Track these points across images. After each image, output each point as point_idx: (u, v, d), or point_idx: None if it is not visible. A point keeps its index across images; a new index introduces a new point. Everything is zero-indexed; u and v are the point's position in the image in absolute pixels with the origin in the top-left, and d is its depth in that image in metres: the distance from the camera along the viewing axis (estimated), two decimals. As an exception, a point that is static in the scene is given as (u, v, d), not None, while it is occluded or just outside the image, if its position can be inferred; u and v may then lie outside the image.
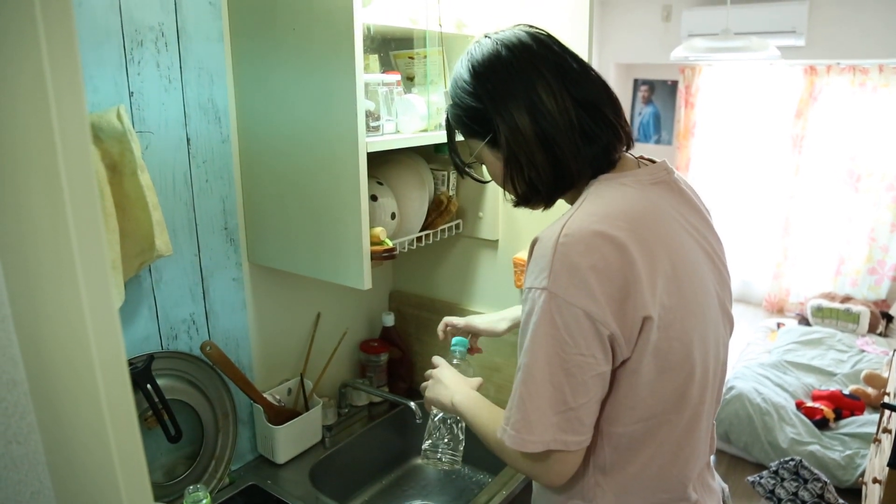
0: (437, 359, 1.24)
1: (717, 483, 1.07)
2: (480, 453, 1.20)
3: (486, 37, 0.96)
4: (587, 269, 0.80)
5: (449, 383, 1.15)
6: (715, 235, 0.99)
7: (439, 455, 1.25)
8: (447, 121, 1.04)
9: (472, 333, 1.37)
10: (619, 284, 0.81)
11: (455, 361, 1.27)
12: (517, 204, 1.00)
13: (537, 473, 0.90)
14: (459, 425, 1.24)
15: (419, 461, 1.22)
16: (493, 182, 1.04)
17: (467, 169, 1.08)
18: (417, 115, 1.32)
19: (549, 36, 0.94)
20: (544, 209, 1.00)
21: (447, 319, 1.38)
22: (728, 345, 1.00)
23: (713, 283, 0.94)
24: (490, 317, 1.38)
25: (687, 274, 0.87)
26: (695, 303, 0.88)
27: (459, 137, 1.04)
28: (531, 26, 0.95)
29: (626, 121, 0.94)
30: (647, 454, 0.91)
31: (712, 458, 1.04)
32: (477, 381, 1.19)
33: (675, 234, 0.89)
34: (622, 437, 0.90)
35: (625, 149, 0.95)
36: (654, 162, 0.96)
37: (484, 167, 1.04)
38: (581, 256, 0.80)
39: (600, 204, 0.86)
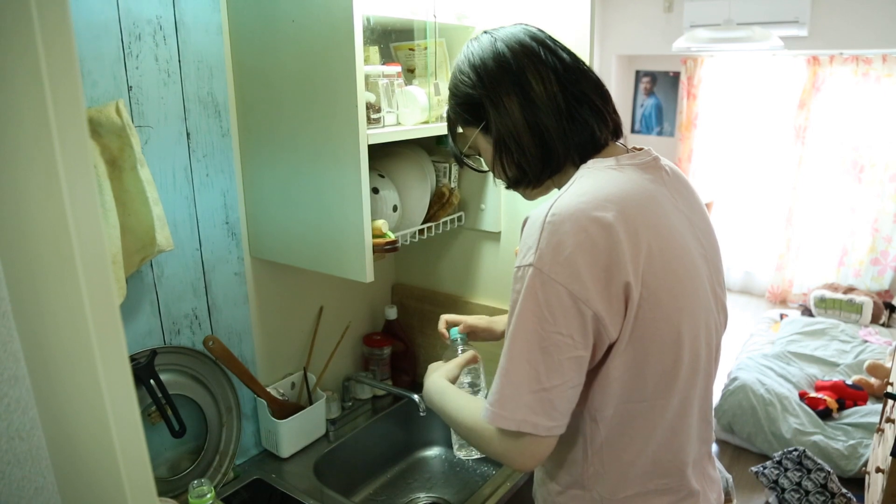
0: (431, 366, 1.23)
1: (719, 473, 1.07)
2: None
3: (484, 32, 1.00)
4: (573, 247, 0.81)
5: (429, 385, 1.13)
6: (705, 221, 0.99)
7: (472, 448, 1.24)
8: (448, 113, 1.07)
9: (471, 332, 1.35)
10: (605, 264, 0.81)
11: (460, 349, 1.27)
12: (508, 187, 1.04)
13: (510, 454, 0.89)
14: None
15: (456, 454, 1.22)
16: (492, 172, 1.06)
17: (465, 159, 1.11)
18: (418, 107, 1.31)
19: (543, 32, 0.98)
20: (533, 190, 1.02)
21: (446, 317, 1.36)
22: (721, 332, 1.00)
23: (703, 268, 0.94)
24: (488, 318, 1.35)
25: (675, 256, 0.88)
26: (682, 285, 0.88)
27: (461, 131, 1.07)
28: (527, 25, 1.00)
29: (614, 110, 0.97)
30: (641, 439, 0.92)
31: (714, 447, 1.05)
32: (465, 356, 1.18)
33: (662, 217, 0.89)
34: (614, 421, 0.91)
35: (613, 137, 0.97)
36: (641, 149, 0.98)
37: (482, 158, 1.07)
38: (567, 235, 0.82)
39: (588, 185, 0.88)
